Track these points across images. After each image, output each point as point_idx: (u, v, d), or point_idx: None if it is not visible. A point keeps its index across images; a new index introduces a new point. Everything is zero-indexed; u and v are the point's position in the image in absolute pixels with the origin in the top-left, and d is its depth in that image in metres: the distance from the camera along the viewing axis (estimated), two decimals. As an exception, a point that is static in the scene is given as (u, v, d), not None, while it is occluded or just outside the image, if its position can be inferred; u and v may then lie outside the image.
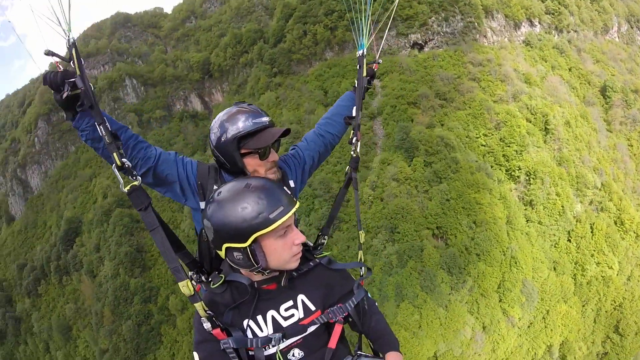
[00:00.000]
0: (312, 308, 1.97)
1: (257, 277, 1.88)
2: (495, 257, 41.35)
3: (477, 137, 50.35)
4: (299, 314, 1.95)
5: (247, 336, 1.87)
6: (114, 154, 1.92)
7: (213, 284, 1.93)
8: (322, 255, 2.17)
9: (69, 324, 63.31)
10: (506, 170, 49.17)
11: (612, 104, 66.06)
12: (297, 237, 1.82)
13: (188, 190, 2.34)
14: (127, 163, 1.96)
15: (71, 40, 1.92)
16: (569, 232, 48.60)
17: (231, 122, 2.22)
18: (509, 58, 62.67)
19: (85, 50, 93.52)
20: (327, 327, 2.03)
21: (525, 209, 48.24)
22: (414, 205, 42.44)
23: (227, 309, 1.90)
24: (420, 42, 64.01)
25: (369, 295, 2.22)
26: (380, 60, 2.95)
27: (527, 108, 53.79)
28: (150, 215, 1.88)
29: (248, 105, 2.34)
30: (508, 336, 41.10)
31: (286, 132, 2.31)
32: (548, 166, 49.31)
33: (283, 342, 1.91)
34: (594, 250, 48.19)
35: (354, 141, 2.76)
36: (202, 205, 2.30)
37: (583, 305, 46.76)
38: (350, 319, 2.09)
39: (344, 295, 2.08)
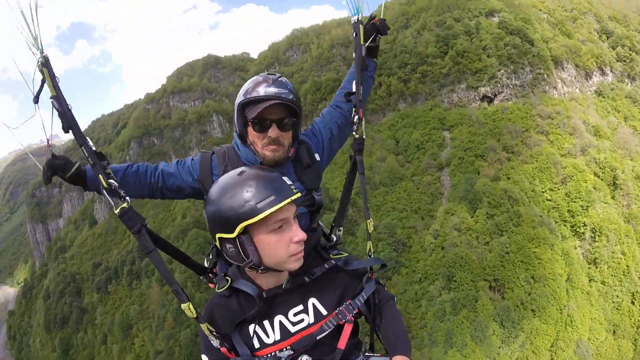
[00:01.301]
0: (324, 312, 1.78)
1: (264, 283, 1.72)
2: (551, 314, 38.82)
3: (543, 192, 47.72)
4: (309, 319, 1.76)
5: (253, 343, 1.72)
6: (100, 176, 1.82)
7: (218, 288, 1.78)
8: (339, 255, 1.94)
9: (131, 323, 66.25)
10: (571, 227, 46.09)
11: (690, 158, 60.08)
12: (296, 234, 1.60)
13: (197, 192, 2.20)
14: (114, 184, 1.85)
15: (41, 58, 1.76)
16: (633, 293, 44.39)
17: (246, 87, 2.07)
18: (579, 109, 59.03)
19: (179, 86, 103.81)
20: (338, 327, 1.81)
21: (589, 268, 44.80)
22: (473, 255, 41.12)
23: (233, 324, 1.72)
24: (490, 95, 61.98)
25: (386, 289, 2.04)
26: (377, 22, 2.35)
27: (596, 162, 50.28)
28: (145, 237, 1.75)
29: (271, 74, 2.12)
30: None
31: (288, 109, 2.02)
32: (615, 223, 45.50)
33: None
34: None
35: (355, 120, 2.35)
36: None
37: None
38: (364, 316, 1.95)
39: (357, 293, 1.90)
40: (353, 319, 1.80)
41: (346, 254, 1.95)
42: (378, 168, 55.30)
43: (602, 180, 49.14)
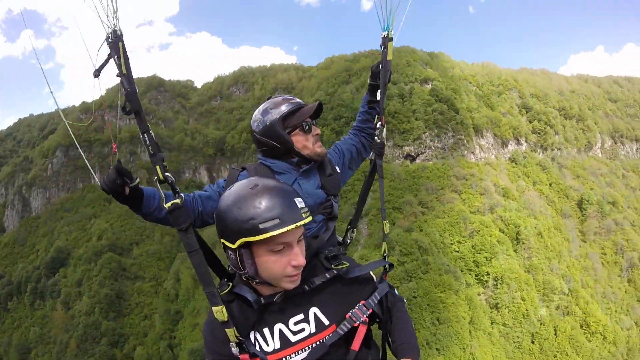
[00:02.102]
0: (326, 323, 1.73)
1: (264, 290, 1.69)
2: (454, 352, 44.99)
3: (452, 244, 55.63)
4: (310, 328, 1.71)
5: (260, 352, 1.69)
6: (157, 167, 1.80)
7: (221, 292, 1.76)
8: (341, 266, 1.86)
9: (29, 346, 63.27)
10: (475, 275, 53.73)
11: (587, 215, 70.62)
12: (295, 259, 1.57)
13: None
14: (170, 178, 1.83)
15: (118, 32, 1.71)
16: (532, 334, 51.59)
17: (273, 107, 2.27)
18: (492, 173, 69.23)
19: (117, 100, 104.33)
20: (350, 335, 1.73)
21: (491, 312, 52.00)
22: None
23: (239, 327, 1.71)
24: (413, 154, 71.55)
25: (396, 291, 2.01)
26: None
27: (501, 219, 59.23)
28: (191, 236, 1.75)
29: (279, 95, 2.43)
30: None
31: (320, 107, 2.34)
32: (515, 272, 53.64)
33: None
34: (557, 351, 50.74)
35: (378, 126, 2.56)
36: None
37: None
38: (377, 320, 1.89)
39: (365, 297, 1.83)
40: (367, 319, 1.77)
41: (347, 264, 1.88)
42: None
43: (506, 235, 57.72)
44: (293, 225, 1.50)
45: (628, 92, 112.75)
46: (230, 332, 1.67)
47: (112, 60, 1.76)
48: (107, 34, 1.73)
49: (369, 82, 2.70)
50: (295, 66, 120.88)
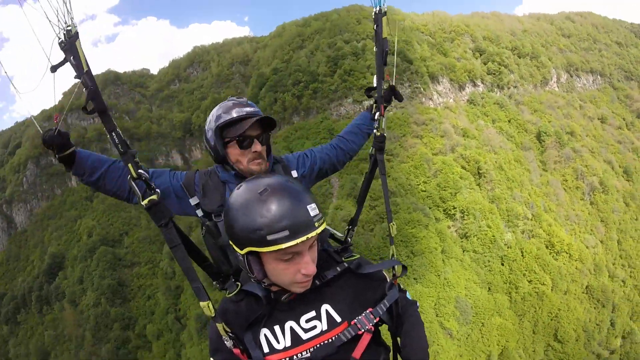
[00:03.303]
0: (338, 320, 1.78)
1: (276, 289, 1.74)
2: (430, 279, 50.91)
3: (418, 184, 61.42)
4: (322, 325, 1.77)
5: (263, 348, 1.75)
6: (129, 165, 1.85)
7: (229, 293, 1.87)
8: (351, 258, 1.97)
9: (47, 350, 68.19)
10: (443, 210, 59.68)
11: (546, 146, 77.42)
12: (305, 268, 1.60)
13: (181, 197, 2.36)
14: (144, 174, 1.88)
15: (72, 31, 1.72)
16: (501, 257, 57.87)
17: (218, 113, 2.30)
18: (451, 116, 74.97)
19: (76, 102, 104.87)
20: (354, 340, 1.79)
21: (462, 241, 58.10)
22: (361, 241, 52.82)
23: (244, 327, 1.78)
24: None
25: (408, 295, 2.09)
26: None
27: (462, 157, 65.11)
28: (172, 231, 1.80)
29: (238, 98, 2.40)
30: (447, 346, 48.19)
31: (267, 121, 2.32)
32: (479, 203, 59.68)
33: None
34: (526, 271, 57.13)
35: (377, 117, 2.53)
36: (192, 201, 2.33)
37: (519, 318, 54.47)
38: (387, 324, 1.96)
39: (376, 300, 1.90)
40: (373, 328, 1.81)
41: (358, 256, 1.99)
42: None
43: (467, 171, 63.73)
44: (304, 238, 1.50)
45: (581, 27, 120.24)
46: (220, 327, 1.73)
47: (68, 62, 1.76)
48: (59, 34, 1.72)
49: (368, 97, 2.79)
50: (248, 38, 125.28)
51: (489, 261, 57.42)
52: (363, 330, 1.77)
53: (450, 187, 60.25)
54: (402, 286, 2.14)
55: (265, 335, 1.77)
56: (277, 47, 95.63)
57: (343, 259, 1.96)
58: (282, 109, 79.79)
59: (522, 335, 54.18)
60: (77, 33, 1.73)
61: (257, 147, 2.31)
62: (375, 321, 1.80)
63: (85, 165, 2.17)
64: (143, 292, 70.82)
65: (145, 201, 1.81)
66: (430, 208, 58.55)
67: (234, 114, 2.29)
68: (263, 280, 1.69)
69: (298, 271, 1.61)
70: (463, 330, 50.36)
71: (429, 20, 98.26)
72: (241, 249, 1.59)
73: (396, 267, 2.26)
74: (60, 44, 1.73)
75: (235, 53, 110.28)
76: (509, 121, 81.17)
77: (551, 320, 55.47)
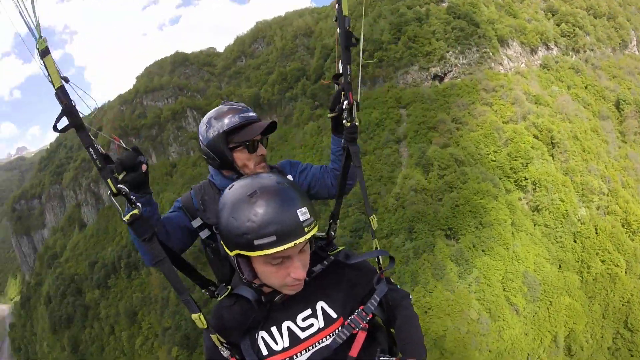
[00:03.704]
0: (334, 315, 1.81)
1: (268, 290, 1.74)
2: (498, 252, 49.65)
3: (488, 154, 59.18)
4: (318, 323, 1.79)
5: (261, 351, 1.76)
6: (108, 180, 1.74)
7: (220, 296, 1.89)
8: (336, 251, 1.98)
9: (135, 310, 74.33)
10: (514, 181, 57.38)
11: (625, 116, 72.18)
12: (294, 272, 1.59)
13: (185, 225, 2.40)
14: (124, 189, 1.75)
15: (41, 47, 1.57)
16: (574, 233, 55.24)
17: (219, 118, 2.30)
18: (523, 82, 70.94)
19: (150, 85, 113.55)
20: (353, 335, 1.81)
21: (533, 215, 55.86)
22: (429, 210, 51.99)
23: (239, 332, 1.79)
24: (440, 74, 73.72)
25: (398, 287, 2.07)
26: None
27: (534, 126, 61.81)
28: (156, 245, 1.73)
29: (235, 102, 2.43)
30: (513, 323, 47.62)
31: (271, 125, 2.35)
32: (552, 175, 56.84)
33: None
34: (599, 249, 54.21)
35: (345, 106, 2.35)
36: (195, 223, 2.35)
37: (590, 300, 52.04)
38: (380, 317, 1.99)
39: (367, 294, 1.92)
40: (367, 325, 1.81)
41: (343, 247, 2.01)
42: None
43: (540, 141, 60.44)
44: (291, 244, 1.47)
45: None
46: (215, 338, 1.72)
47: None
48: (36, 47, 1.58)
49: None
50: (309, 10, 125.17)
51: (560, 237, 55.04)
52: (358, 329, 1.79)
53: (521, 157, 57.61)
54: (392, 279, 2.09)
55: (262, 337, 1.78)
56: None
57: (329, 252, 1.96)
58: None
59: (591, 318, 51.53)
60: (46, 48, 1.59)
61: (263, 150, 2.39)
62: (368, 318, 1.82)
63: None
64: (222, 259, 75.56)
65: (127, 216, 1.72)
66: (500, 179, 56.50)
67: (238, 119, 2.31)
68: (254, 282, 1.69)
69: (288, 275, 1.60)
70: (530, 308, 49.24)
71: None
72: (230, 251, 1.59)
73: (382, 258, 2.20)
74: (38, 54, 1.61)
75: (298, 25, 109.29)
76: (586, 87, 75.66)
77: (622, 305, 52.08)
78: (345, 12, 2.34)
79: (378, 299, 1.87)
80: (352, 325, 1.80)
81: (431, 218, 51.41)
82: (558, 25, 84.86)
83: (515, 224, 52.89)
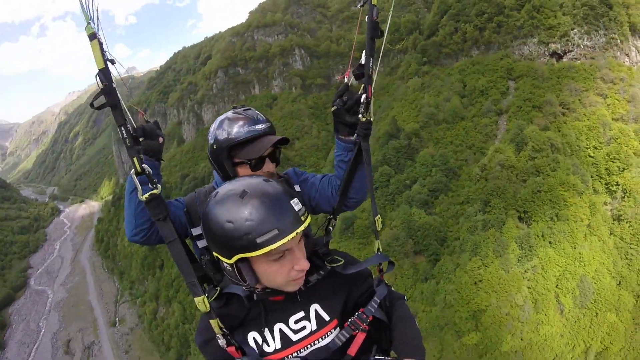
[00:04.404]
0: (327, 318, 1.85)
1: (258, 290, 1.72)
2: (564, 248, 48.28)
3: (587, 148, 56.01)
4: (311, 326, 1.83)
5: (255, 350, 1.80)
6: (134, 159, 1.85)
7: (210, 299, 1.81)
8: (336, 264, 1.94)
9: None
10: (605, 183, 54.42)
11: None
12: (298, 264, 1.62)
13: (184, 225, 2.29)
14: (148, 169, 1.87)
15: (89, 32, 1.75)
16: (648, 256, 52.72)
17: (224, 129, 2.19)
18: (649, 81, 64.78)
19: (263, 21, 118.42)
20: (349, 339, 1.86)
21: (613, 223, 53.31)
22: (510, 188, 50.56)
23: (233, 328, 1.83)
24: (559, 52, 68.75)
25: (392, 289, 2.08)
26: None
27: (646, 131, 57.31)
28: (169, 226, 1.82)
29: (245, 110, 2.28)
30: (554, 320, 46.96)
31: (282, 141, 2.22)
32: (645, 188, 53.41)
33: None
34: None
35: (362, 100, 2.22)
36: (194, 231, 2.23)
37: (636, 326, 49.72)
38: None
39: (363, 296, 1.97)
40: (367, 327, 1.85)
41: (343, 260, 1.96)
42: (443, 106, 65.81)
43: (646, 149, 56.16)
44: (293, 234, 1.51)
45: None
46: (214, 323, 1.73)
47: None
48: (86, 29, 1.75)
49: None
50: None
51: (632, 255, 52.51)
52: (357, 331, 1.82)
53: (620, 160, 54.05)
54: (386, 281, 2.11)
55: (254, 338, 1.81)
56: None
57: (327, 263, 1.94)
58: (462, 40, 76.22)
59: (630, 344, 49.33)
60: (94, 34, 1.75)
61: (269, 167, 2.26)
62: (369, 320, 1.85)
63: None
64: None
65: (146, 195, 1.82)
66: (592, 176, 53.74)
67: (244, 132, 2.17)
68: (256, 287, 1.68)
69: (291, 268, 1.62)
70: (575, 312, 48.22)
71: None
72: (229, 258, 1.57)
73: (382, 262, 2.16)
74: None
75: None
76: None
77: None
78: (374, 0, 2.30)
79: (378, 301, 1.90)
80: (352, 327, 1.83)
81: (510, 197, 50.10)
82: None
83: (592, 227, 50.84)
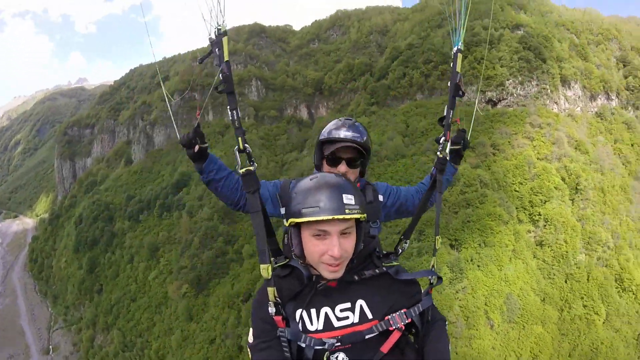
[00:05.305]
0: (370, 316, 1.98)
1: (316, 272, 1.98)
2: (491, 270, 55.30)
3: (513, 184, 64.07)
4: (353, 318, 1.97)
5: (299, 327, 1.95)
6: (239, 138, 2.14)
7: (277, 264, 2.11)
8: (390, 264, 2.17)
9: (158, 246, 78.88)
10: (529, 214, 62.32)
11: (664, 182, 74.52)
12: (331, 249, 1.83)
13: (276, 205, 2.64)
14: (249, 149, 2.17)
15: (222, 29, 2.14)
16: (567, 274, 59.30)
17: (327, 129, 2.68)
18: (571, 125, 74.04)
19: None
20: (383, 336, 1.98)
21: (535, 248, 60.94)
22: (443, 219, 58.35)
23: (286, 299, 2.00)
24: (495, 99, 77.65)
25: (437, 310, 2.24)
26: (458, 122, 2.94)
27: (565, 169, 65.98)
28: (257, 199, 2.06)
29: (346, 119, 2.75)
30: (485, 335, 52.17)
31: (360, 147, 2.61)
32: (565, 217, 61.18)
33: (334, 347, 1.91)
34: (585, 295, 58.07)
35: (441, 141, 2.82)
36: (282, 211, 2.24)
37: (562, 336, 56.08)
38: (413, 330, 2.11)
39: (408, 304, 2.08)
40: (403, 327, 1.99)
41: (397, 264, 2.19)
42: (386, 144, 73.29)
43: (566, 184, 64.87)
44: (330, 216, 1.78)
45: None
46: (271, 291, 1.94)
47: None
48: (212, 31, 2.15)
49: (448, 147, 2.89)
50: (390, 8, 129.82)
51: (554, 274, 59.04)
52: (394, 327, 1.99)
53: (543, 194, 62.17)
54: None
55: (301, 315, 2.01)
56: (417, 23, 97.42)
57: (383, 263, 2.23)
58: (409, 84, 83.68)
59: (558, 353, 55.29)
60: (225, 32, 2.16)
61: (342, 168, 2.69)
62: (407, 321, 2.02)
63: (216, 163, 2.61)
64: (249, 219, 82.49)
65: (244, 170, 2.14)
66: (516, 208, 61.65)
67: (334, 133, 2.71)
68: (300, 258, 2.02)
69: (326, 251, 1.87)
70: (504, 326, 53.86)
71: (578, 18, 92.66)
72: (287, 221, 1.95)
73: (432, 277, 2.40)
74: (210, 39, 2.19)
75: (375, 22, 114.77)
76: (632, 145, 77.89)
77: (591, 350, 55.62)
78: (458, 68, 2.73)
79: (422, 309, 2.08)
80: (391, 322, 1.98)
81: (442, 227, 57.36)
82: (625, 77, 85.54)
83: (516, 251, 58.22)
